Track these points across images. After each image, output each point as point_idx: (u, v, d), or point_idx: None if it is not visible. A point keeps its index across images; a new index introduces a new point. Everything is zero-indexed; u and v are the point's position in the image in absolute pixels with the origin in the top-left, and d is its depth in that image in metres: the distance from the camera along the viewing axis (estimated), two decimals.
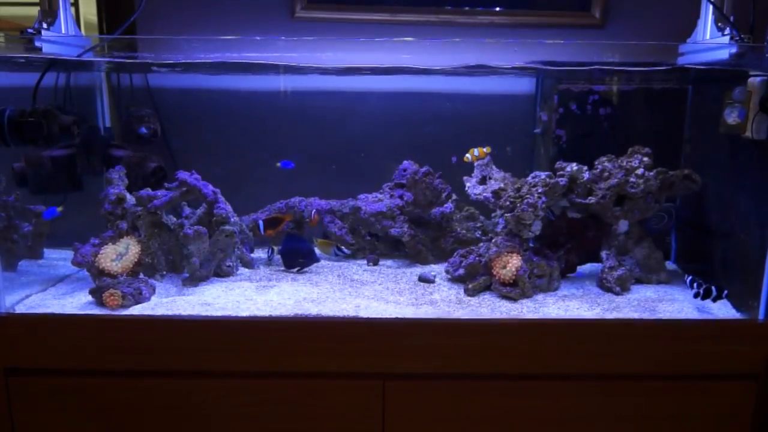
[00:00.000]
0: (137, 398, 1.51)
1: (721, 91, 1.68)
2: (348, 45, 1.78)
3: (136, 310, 1.55)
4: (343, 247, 1.98)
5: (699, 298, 1.59)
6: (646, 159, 1.75)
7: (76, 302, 1.61)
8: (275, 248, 1.95)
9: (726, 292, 1.59)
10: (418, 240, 1.97)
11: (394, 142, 2.12)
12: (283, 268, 1.90)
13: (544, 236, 1.79)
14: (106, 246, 1.69)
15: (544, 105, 2.03)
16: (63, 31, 1.69)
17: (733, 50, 1.61)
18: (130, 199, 1.79)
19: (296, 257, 1.87)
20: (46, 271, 1.87)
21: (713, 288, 1.57)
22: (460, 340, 1.49)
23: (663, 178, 1.73)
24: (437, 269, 1.90)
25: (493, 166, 1.92)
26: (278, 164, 1.96)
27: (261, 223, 1.86)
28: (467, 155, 1.90)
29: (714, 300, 1.59)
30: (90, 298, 1.60)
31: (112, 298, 1.55)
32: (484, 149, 1.90)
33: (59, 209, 1.78)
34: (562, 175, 1.75)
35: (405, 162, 2.02)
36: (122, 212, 1.76)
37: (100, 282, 1.61)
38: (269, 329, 1.50)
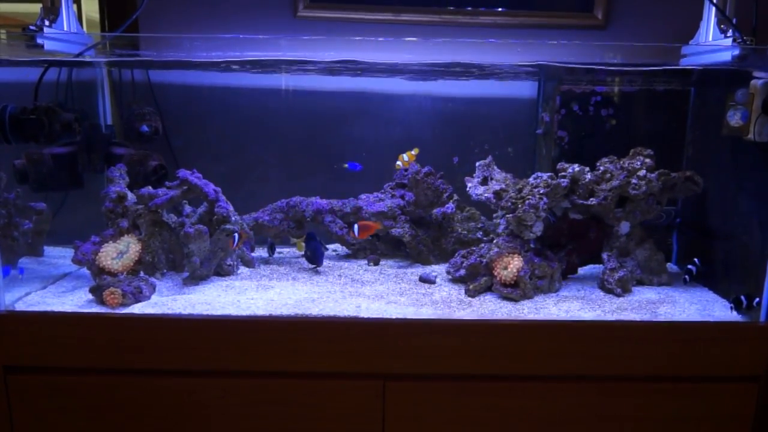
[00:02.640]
0: (137, 396, 1.51)
1: (723, 93, 1.67)
2: (350, 44, 1.78)
3: (136, 308, 1.55)
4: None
5: (734, 311, 1.56)
6: (648, 160, 1.74)
7: (76, 300, 1.61)
8: (306, 245, 1.95)
9: (757, 300, 1.54)
10: (419, 240, 1.97)
11: (395, 141, 2.11)
12: (279, 269, 1.91)
13: (546, 237, 1.78)
14: (106, 244, 1.69)
15: (546, 106, 2.02)
16: (65, 29, 1.69)
17: (736, 52, 1.60)
18: (131, 197, 1.78)
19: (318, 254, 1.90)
20: (47, 269, 1.86)
21: (742, 298, 1.55)
22: (461, 341, 1.49)
23: (665, 179, 1.73)
24: (438, 270, 1.90)
25: (495, 167, 1.92)
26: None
27: (236, 236, 1.85)
28: (398, 162, 1.90)
29: (747, 309, 1.55)
30: (90, 296, 1.60)
31: (112, 296, 1.55)
32: (412, 152, 1.90)
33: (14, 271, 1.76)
34: (564, 176, 1.74)
35: None
36: (123, 210, 1.76)
37: (101, 280, 1.61)
38: (269, 329, 1.50)
